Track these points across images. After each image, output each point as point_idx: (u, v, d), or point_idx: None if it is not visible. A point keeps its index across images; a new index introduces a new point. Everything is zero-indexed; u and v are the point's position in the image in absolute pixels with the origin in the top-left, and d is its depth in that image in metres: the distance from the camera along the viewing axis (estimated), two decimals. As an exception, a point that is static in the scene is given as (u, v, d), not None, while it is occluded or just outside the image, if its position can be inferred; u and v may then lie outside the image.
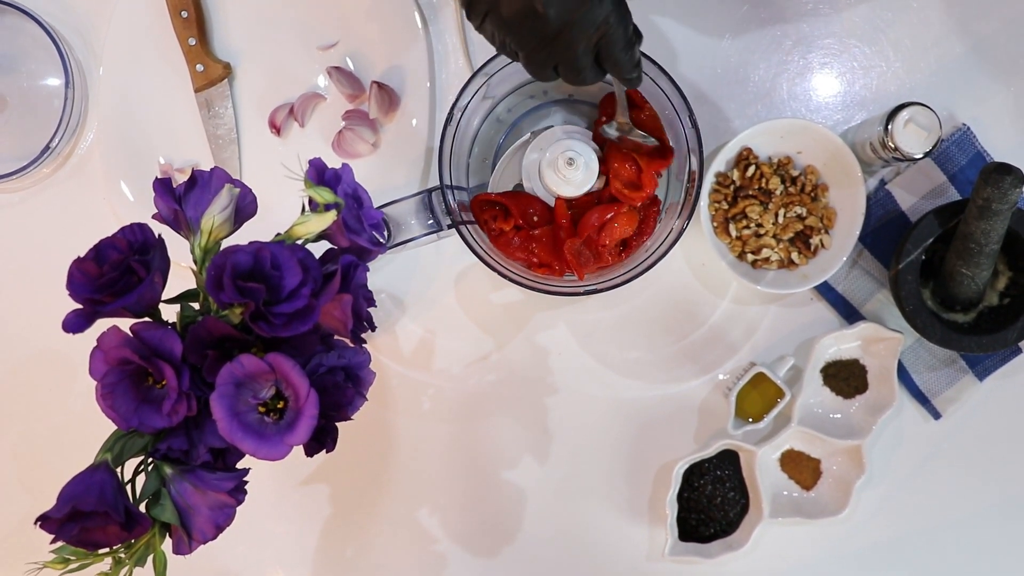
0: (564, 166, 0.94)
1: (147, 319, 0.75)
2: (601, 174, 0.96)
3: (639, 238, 0.96)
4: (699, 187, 0.92)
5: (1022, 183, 0.91)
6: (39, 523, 0.70)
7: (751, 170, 1.05)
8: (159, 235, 0.76)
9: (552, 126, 0.99)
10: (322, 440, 0.79)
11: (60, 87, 1.09)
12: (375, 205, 0.84)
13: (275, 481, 1.12)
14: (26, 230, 1.13)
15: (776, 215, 1.04)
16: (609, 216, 0.94)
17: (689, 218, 0.90)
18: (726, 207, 1.05)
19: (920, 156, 0.97)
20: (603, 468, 1.11)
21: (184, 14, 1.07)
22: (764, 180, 1.04)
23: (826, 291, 1.08)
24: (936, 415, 1.09)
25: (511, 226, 0.95)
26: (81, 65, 1.11)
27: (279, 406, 0.73)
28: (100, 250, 0.73)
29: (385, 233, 0.90)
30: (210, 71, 1.08)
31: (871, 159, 1.02)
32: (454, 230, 0.91)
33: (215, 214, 0.77)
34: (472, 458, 1.11)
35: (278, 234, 0.78)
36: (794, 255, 1.05)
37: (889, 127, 0.96)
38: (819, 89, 1.08)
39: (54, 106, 1.10)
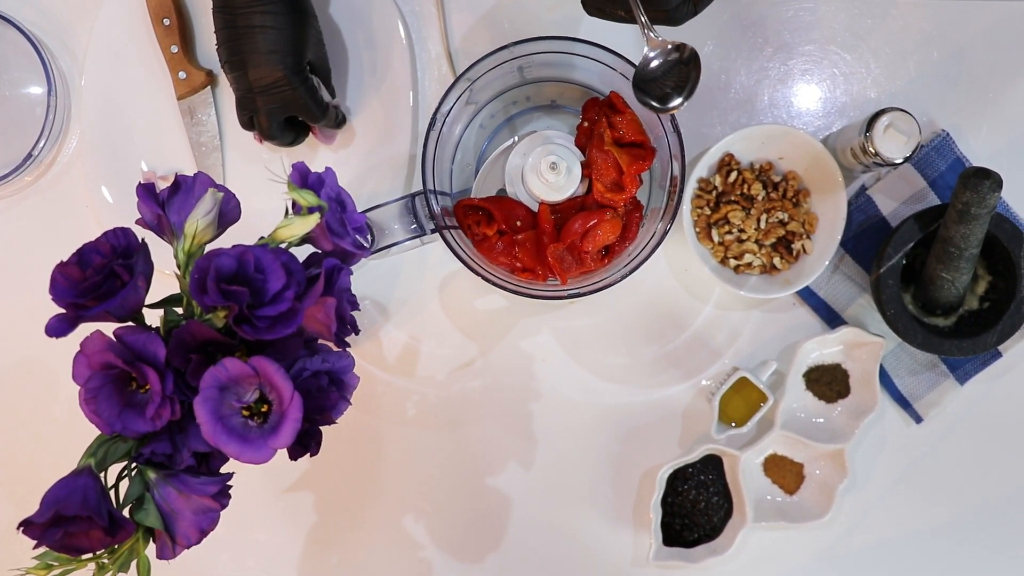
0: (547, 171, 0.94)
1: (131, 323, 0.75)
2: (584, 178, 0.96)
3: (622, 243, 0.97)
4: (681, 192, 0.92)
5: (1000, 188, 0.92)
6: (21, 528, 0.70)
7: (733, 176, 1.05)
8: (142, 239, 0.76)
9: (535, 131, 0.99)
10: (306, 444, 0.79)
11: (42, 95, 1.09)
12: (359, 210, 0.84)
13: (260, 488, 1.11)
14: (8, 238, 1.12)
15: (758, 220, 1.05)
16: (592, 223, 0.95)
17: (671, 221, 0.91)
18: (708, 212, 1.06)
19: (900, 161, 0.97)
20: (587, 473, 1.11)
21: (166, 22, 1.07)
22: (746, 186, 1.05)
23: (808, 296, 1.08)
24: (918, 419, 1.09)
25: (494, 231, 0.95)
26: (63, 73, 1.11)
27: (263, 410, 0.73)
28: (83, 254, 0.73)
29: (368, 238, 0.90)
30: (192, 78, 1.08)
31: (852, 164, 1.03)
32: (437, 235, 0.92)
33: (199, 218, 0.77)
34: (457, 464, 1.11)
35: (261, 237, 0.78)
36: (776, 260, 1.05)
37: (869, 133, 0.97)
38: (800, 95, 1.09)
39: (36, 114, 1.10)
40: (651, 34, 0.81)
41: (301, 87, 0.96)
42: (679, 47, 0.82)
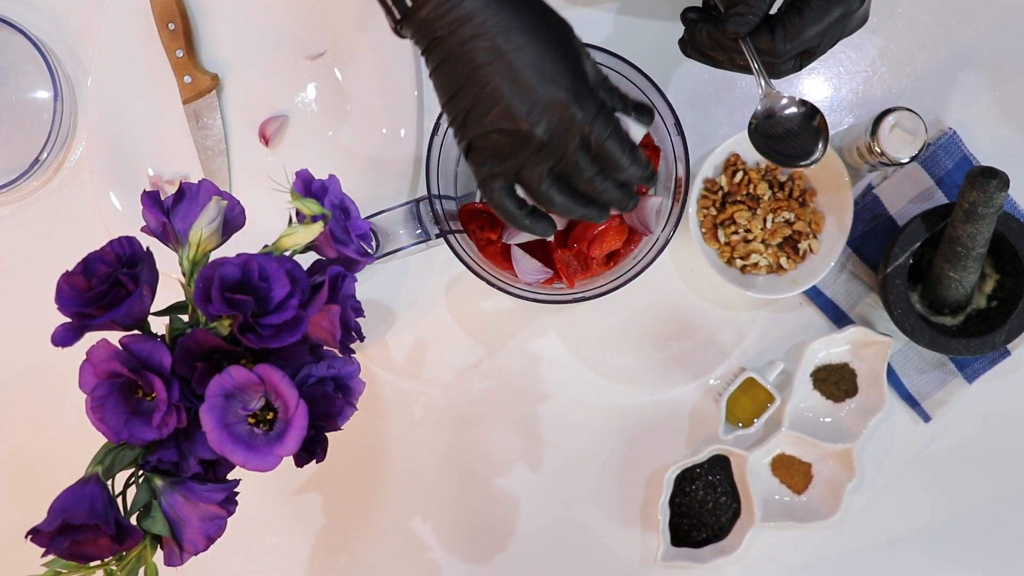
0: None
1: (136, 332, 0.75)
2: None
3: (627, 247, 0.97)
4: (686, 194, 0.92)
5: (1007, 187, 0.91)
6: (30, 537, 0.70)
7: (739, 176, 1.05)
8: (147, 248, 0.76)
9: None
10: (312, 450, 0.80)
11: (49, 100, 1.09)
12: (363, 215, 0.84)
13: (268, 491, 1.12)
14: (16, 243, 1.13)
15: (764, 220, 1.05)
16: (600, 229, 0.95)
17: (676, 226, 0.90)
18: (715, 213, 1.05)
19: (906, 160, 0.97)
20: (595, 474, 1.11)
21: (171, 26, 1.07)
22: (752, 186, 1.05)
23: (815, 295, 1.08)
24: (926, 418, 1.09)
25: (499, 235, 0.95)
26: (70, 78, 1.11)
27: (269, 417, 0.73)
28: (88, 263, 0.74)
29: (373, 243, 0.90)
30: (198, 83, 1.08)
31: (858, 164, 1.02)
32: (442, 240, 0.92)
33: (203, 226, 0.77)
34: (464, 466, 1.12)
35: (266, 246, 0.78)
36: (783, 260, 1.05)
37: (875, 132, 0.97)
38: (806, 94, 1.09)
39: (43, 119, 1.10)
40: (765, 84, 0.80)
41: (599, 117, 0.74)
42: (802, 102, 0.81)
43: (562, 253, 0.94)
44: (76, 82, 1.12)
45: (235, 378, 0.72)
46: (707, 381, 1.10)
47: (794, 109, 0.81)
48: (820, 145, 0.81)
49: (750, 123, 0.82)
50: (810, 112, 0.81)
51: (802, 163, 0.83)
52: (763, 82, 0.80)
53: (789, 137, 0.82)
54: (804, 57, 0.81)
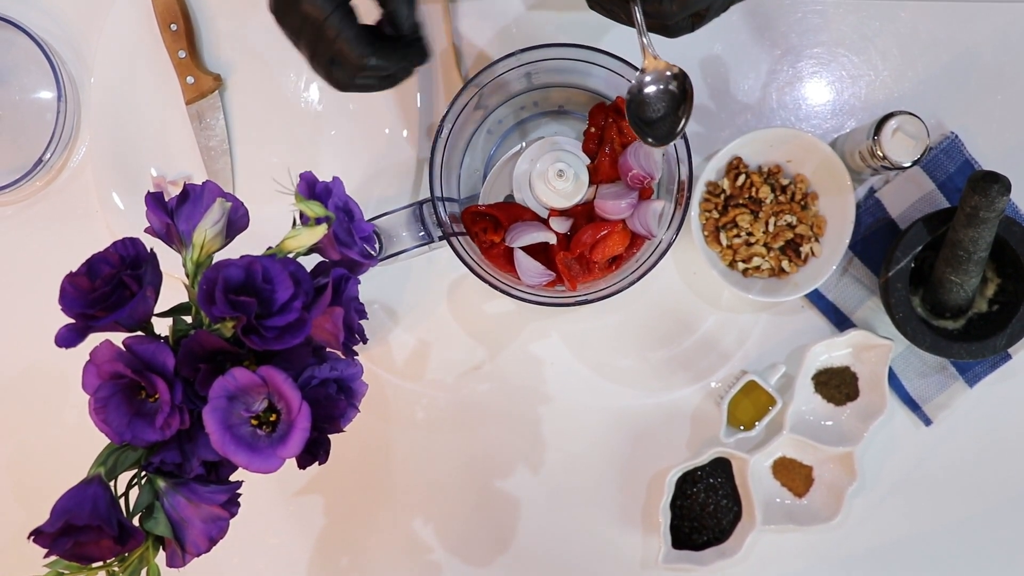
0: (554, 178, 0.94)
1: (139, 333, 0.75)
2: (592, 184, 0.96)
3: (629, 251, 0.97)
4: (688, 197, 0.92)
5: (1009, 191, 0.92)
6: (32, 538, 0.70)
7: (741, 179, 1.05)
8: (151, 249, 0.76)
9: (543, 137, 0.99)
10: (315, 452, 0.79)
11: (52, 100, 1.09)
12: (366, 217, 0.84)
13: (270, 492, 1.12)
14: (19, 243, 1.13)
15: (766, 224, 1.05)
16: (603, 234, 0.95)
17: (678, 229, 0.90)
18: (717, 216, 1.05)
19: (908, 165, 0.97)
20: (596, 476, 1.11)
21: (173, 27, 1.07)
22: (754, 189, 1.05)
23: (817, 299, 1.08)
24: (927, 421, 1.09)
25: (502, 238, 0.95)
26: (73, 78, 1.11)
27: (272, 419, 0.73)
28: (92, 264, 0.74)
29: (376, 245, 0.90)
30: (201, 83, 1.08)
31: (860, 167, 1.02)
32: (445, 242, 0.92)
33: (207, 228, 0.77)
34: (466, 467, 1.12)
35: (269, 248, 0.78)
36: (784, 263, 1.05)
37: (877, 136, 0.97)
38: (808, 98, 1.09)
39: (47, 119, 1.10)
40: (649, 49, 0.80)
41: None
42: (677, 76, 0.81)
43: (564, 256, 0.94)
44: (80, 82, 1.12)
45: (238, 380, 0.72)
46: (708, 384, 1.10)
47: (671, 84, 0.81)
48: (678, 127, 0.81)
49: (630, 88, 0.82)
50: (682, 91, 0.81)
51: (657, 142, 0.83)
52: (643, 41, 0.79)
53: (659, 110, 0.82)
54: (695, 19, 0.80)
